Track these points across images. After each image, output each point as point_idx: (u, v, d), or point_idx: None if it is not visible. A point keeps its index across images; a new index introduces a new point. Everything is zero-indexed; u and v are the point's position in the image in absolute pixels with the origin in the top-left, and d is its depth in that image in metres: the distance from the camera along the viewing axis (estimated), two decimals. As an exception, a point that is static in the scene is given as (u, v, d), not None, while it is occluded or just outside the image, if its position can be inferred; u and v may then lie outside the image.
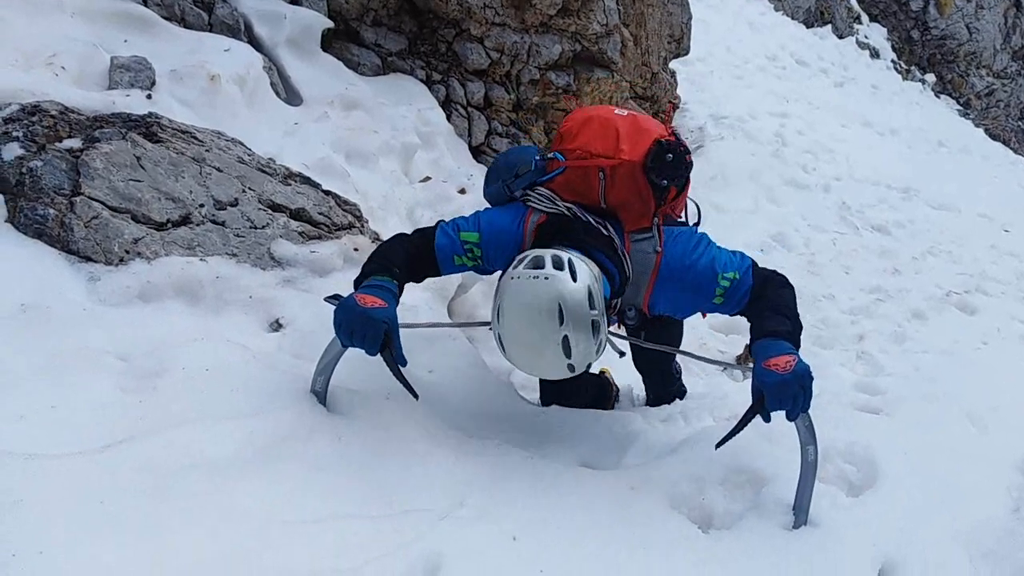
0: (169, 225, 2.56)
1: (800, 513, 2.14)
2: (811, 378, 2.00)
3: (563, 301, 2.03)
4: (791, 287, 2.37)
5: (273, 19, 4.40)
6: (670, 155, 2.36)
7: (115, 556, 1.54)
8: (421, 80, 5.26)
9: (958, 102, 16.69)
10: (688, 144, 2.55)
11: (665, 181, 2.39)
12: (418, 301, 3.19)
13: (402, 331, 2.17)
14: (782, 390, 1.96)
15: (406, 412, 2.29)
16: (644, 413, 3.30)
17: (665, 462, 2.46)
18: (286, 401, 2.11)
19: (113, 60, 3.19)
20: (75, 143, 2.54)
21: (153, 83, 3.23)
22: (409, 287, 3.31)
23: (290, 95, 4.29)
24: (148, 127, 2.78)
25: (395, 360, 2.12)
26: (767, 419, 2.02)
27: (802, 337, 2.23)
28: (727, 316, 2.47)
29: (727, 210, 7.20)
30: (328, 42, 4.81)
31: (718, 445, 2.16)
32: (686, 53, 8.91)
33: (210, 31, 4.03)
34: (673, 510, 2.15)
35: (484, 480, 2.09)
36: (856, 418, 3.08)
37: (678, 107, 9.03)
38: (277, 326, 2.57)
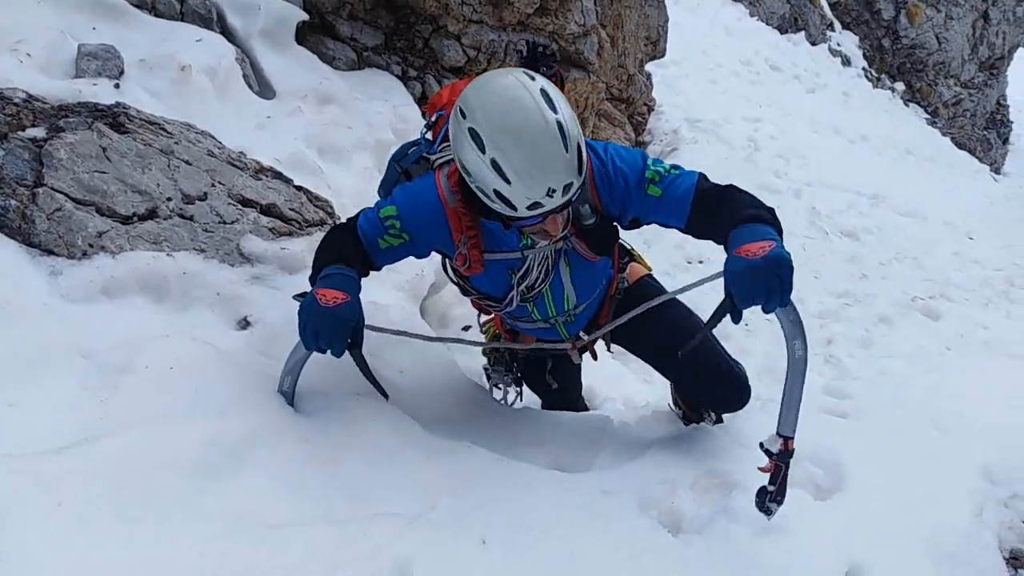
0: (135, 219, 2.50)
1: (786, 423, 1.94)
2: (790, 266, 1.74)
3: (543, 85, 1.86)
4: (750, 193, 2.12)
5: (247, 10, 4.34)
6: (539, 47, 2.37)
7: (72, 560, 1.50)
8: (397, 76, 5.22)
9: (926, 111, 17.02)
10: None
11: (542, 69, 2.32)
12: (390, 300, 3.17)
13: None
14: (752, 279, 1.72)
15: (375, 413, 2.26)
16: (617, 414, 3.30)
17: (636, 464, 2.47)
18: (253, 401, 2.07)
19: (81, 48, 3.11)
20: (39, 132, 2.47)
21: (121, 72, 3.16)
22: (381, 286, 3.31)
23: (263, 88, 4.23)
24: (115, 117, 2.71)
25: (364, 358, 2.06)
26: (736, 318, 1.79)
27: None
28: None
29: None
30: (303, 35, 4.75)
31: (682, 352, 1.96)
32: (662, 56, 8.96)
33: (182, 20, 3.96)
34: (643, 514, 2.14)
35: (454, 483, 2.07)
36: (824, 422, 3.11)
37: (653, 109, 9.08)
38: (245, 324, 2.52)
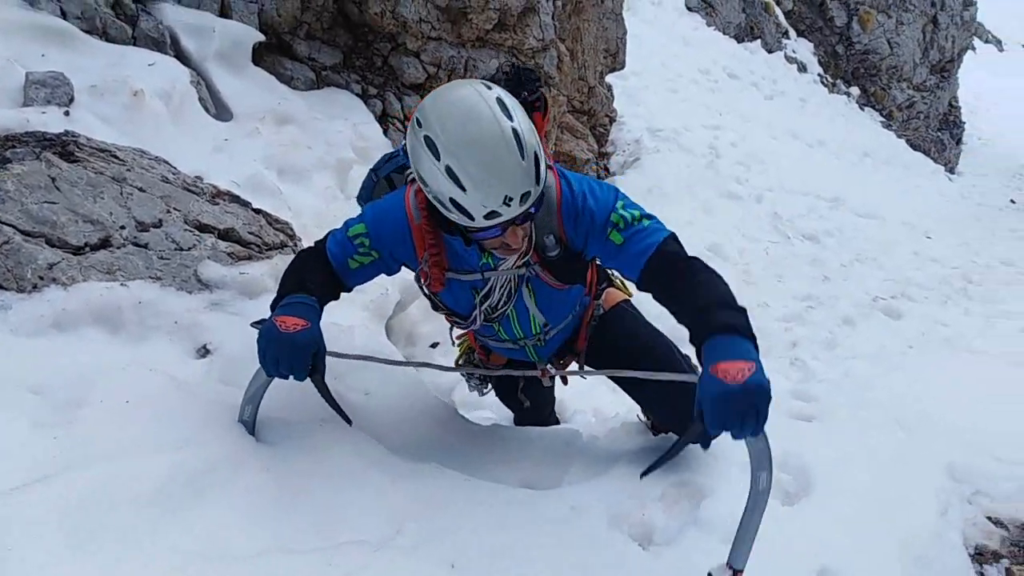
0: (87, 249, 2.44)
1: (738, 555, 1.80)
2: (768, 396, 1.61)
3: (500, 95, 1.82)
4: (723, 278, 1.99)
5: (201, 32, 4.29)
6: (524, 71, 2.31)
7: (23, 607, 1.45)
8: (357, 94, 5.21)
9: (881, 114, 17.41)
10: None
11: (524, 94, 2.23)
12: (354, 321, 3.13)
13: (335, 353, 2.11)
14: (726, 405, 1.58)
15: (339, 438, 2.22)
16: (587, 427, 3.31)
17: (606, 478, 2.45)
18: (212, 432, 2.03)
19: (28, 76, 3.06)
20: (-16, 164, 2.41)
21: (71, 99, 3.11)
22: (346, 306, 3.28)
23: (220, 110, 4.19)
24: (64, 146, 2.65)
25: (326, 384, 2.02)
26: (706, 445, 1.73)
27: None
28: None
29: (664, 222, 7.30)
30: (260, 56, 4.72)
31: (644, 474, 1.89)
32: (622, 67, 9.05)
33: (134, 45, 3.91)
34: (613, 529, 2.14)
35: (421, 506, 2.05)
36: (791, 427, 3.15)
37: (615, 120, 9.16)
38: (205, 352, 2.47)
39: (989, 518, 2.67)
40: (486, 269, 2.21)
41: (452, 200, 1.83)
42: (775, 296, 6.91)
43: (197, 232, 2.79)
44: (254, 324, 2.09)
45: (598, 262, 2.25)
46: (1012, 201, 15.83)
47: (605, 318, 2.67)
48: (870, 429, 3.24)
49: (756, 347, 1.73)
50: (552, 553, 1.96)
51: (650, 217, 2.09)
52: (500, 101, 1.81)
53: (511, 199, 1.80)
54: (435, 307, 2.49)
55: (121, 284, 2.43)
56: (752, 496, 1.75)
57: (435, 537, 1.92)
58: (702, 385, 1.64)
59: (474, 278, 2.23)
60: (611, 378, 2.75)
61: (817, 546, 2.22)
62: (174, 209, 2.78)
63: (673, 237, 2.07)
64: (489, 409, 3.80)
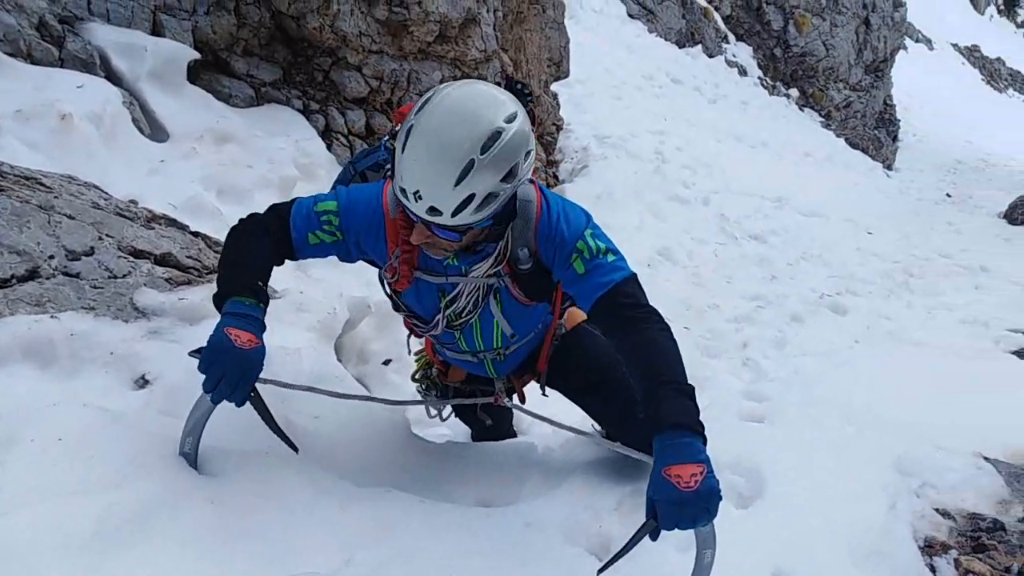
0: (13, 281, 2.34)
1: None
2: (719, 497, 1.71)
3: (520, 108, 1.86)
4: (673, 337, 2.01)
5: (133, 52, 4.18)
6: (518, 84, 2.29)
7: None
8: (298, 110, 5.14)
9: (820, 114, 17.88)
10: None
11: None
12: (301, 343, 3.06)
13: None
14: (680, 510, 1.67)
15: (287, 466, 2.16)
16: (543, 438, 3.28)
17: (561, 491, 2.44)
18: (152, 467, 1.95)
19: (-55, 102, 2.93)
20: (-102, 196, 2.30)
21: (-6, 125, 2.98)
22: (292, 328, 3.21)
23: (155, 131, 4.08)
24: (-14, 174, 2.55)
25: (268, 409, 1.95)
26: (655, 537, 1.76)
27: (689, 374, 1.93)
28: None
29: (615, 228, 7.34)
30: (196, 74, 4.62)
31: (600, 571, 1.84)
32: (566, 76, 9.12)
33: (61, 67, 3.79)
34: (569, 543, 2.12)
35: (373, 533, 2.00)
36: (743, 429, 3.18)
37: (562, 128, 9.21)
38: (143, 383, 2.38)
39: (937, 510, 2.72)
40: (453, 273, 2.18)
41: (395, 150, 1.87)
42: (725, 297, 7.02)
43: (132, 258, 2.69)
44: (192, 353, 2.01)
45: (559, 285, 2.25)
46: (948, 195, 16.41)
47: (567, 338, 2.67)
48: (819, 426, 3.29)
49: (704, 440, 1.78)
50: (508, 572, 1.93)
51: (615, 253, 2.10)
52: (497, 134, 1.78)
53: (420, 198, 1.81)
54: (396, 307, 2.46)
55: (51, 316, 2.33)
56: (696, 570, 1.87)
57: (387, 563, 1.87)
58: (655, 486, 1.71)
59: (439, 280, 2.21)
60: (565, 395, 2.75)
61: (770, 547, 2.23)
62: (107, 236, 2.68)
63: (633, 279, 2.09)
64: (445, 426, 3.75)
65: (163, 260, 2.81)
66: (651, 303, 2.07)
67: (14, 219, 2.45)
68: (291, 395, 2.56)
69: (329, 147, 5.21)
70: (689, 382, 1.90)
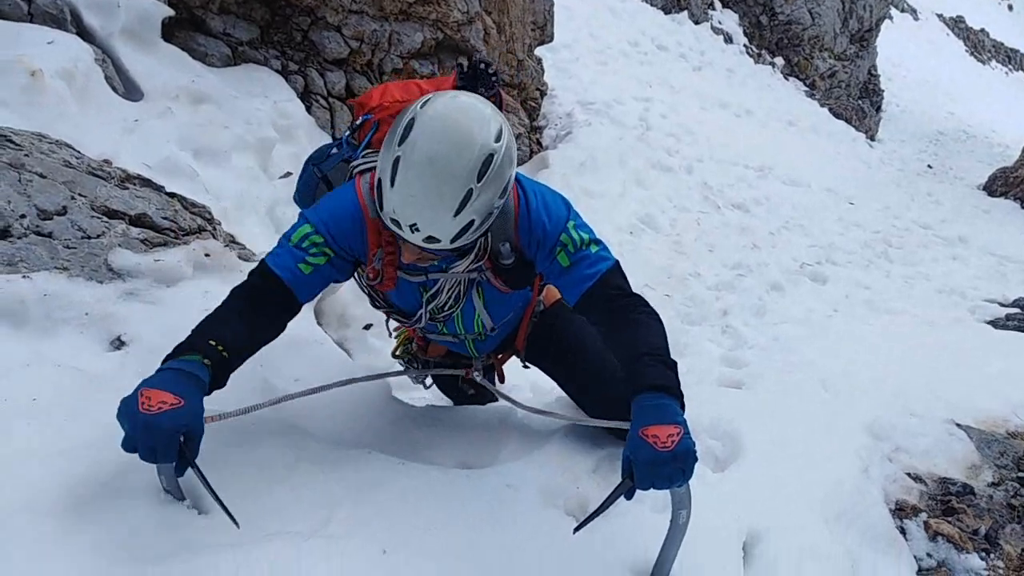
0: (-16, 240, 2.29)
1: (661, 572, 1.92)
2: (695, 458, 1.71)
3: (503, 122, 1.82)
4: (661, 322, 2.02)
5: (105, 8, 4.06)
6: (480, 65, 2.21)
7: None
8: (276, 71, 5.03)
9: (804, 83, 17.82)
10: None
11: (482, 90, 2.16)
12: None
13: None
14: (656, 469, 1.66)
15: (268, 430, 2.16)
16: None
17: (540, 454, 2.45)
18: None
19: (-90, 55, 2.83)
20: None
21: (-39, 81, 2.89)
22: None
23: (129, 90, 3.98)
24: (-47, 130, 2.48)
25: (203, 475, 1.70)
26: (630, 496, 1.76)
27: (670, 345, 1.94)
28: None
29: (597, 195, 7.36)
30: (170, 32, 4.51)
31: (576, 529, 1.79)
32: (550, 40, 9.00)
33: (30, 21, 3.67)
34: (548, 504, 2.14)
35: (353, 493, 2.00)
36: (721, 394, 3.21)
37: (546, 93, 9.12)
38: (119, 344, 2.36)
39: (909, 474, 2.78)
40: (434, 271, 2.15)
41: (379, 182, 1.80)
42: (706, 265, 7.04)
43: (106, 219, 2.64)
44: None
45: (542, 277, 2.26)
46: (929, 166, 16.51)
47: (545, 314, 2.67)
48: (796, 392, 3.35)
49: (682, 405, 1.80)
50: (486, 532, 1.95)
51: (598, 243, 2.09)
52: (490, 159, 1.75)
53: (417, 230, 1.79)
54: (375, 304, 2.42)
55: (23, 276, 2.28)
56: (671, 529, 1.89)
57: (366, 523, 1.88)
58: (632, 446, 1.71)
59: (419, 279, 2.18)
60: (543, 370, 2.76)
61: (745, 509, 2.27)
62: (79, 195, 2.62)
63: (617, 267, 2.09)
64: (424, 391, 3.76)
65: (138, 221, 2.75)
66: (634, 272, 2.07)
67: (-17, 177, 2.39)
68: (273, 357, 2.54)
69: (308, 109, 5.12)
70: (672, 358, 1.91)
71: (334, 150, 2.46)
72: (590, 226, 2.14)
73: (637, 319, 1.99)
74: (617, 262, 2.11)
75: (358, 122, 2.36)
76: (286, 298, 2.03)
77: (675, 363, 1.91)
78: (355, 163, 2.25)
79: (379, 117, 2.29)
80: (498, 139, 1.78)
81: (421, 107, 1.78)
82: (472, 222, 1.80)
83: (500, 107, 2.22)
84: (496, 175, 1.78)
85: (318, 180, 2.45)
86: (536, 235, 2.07)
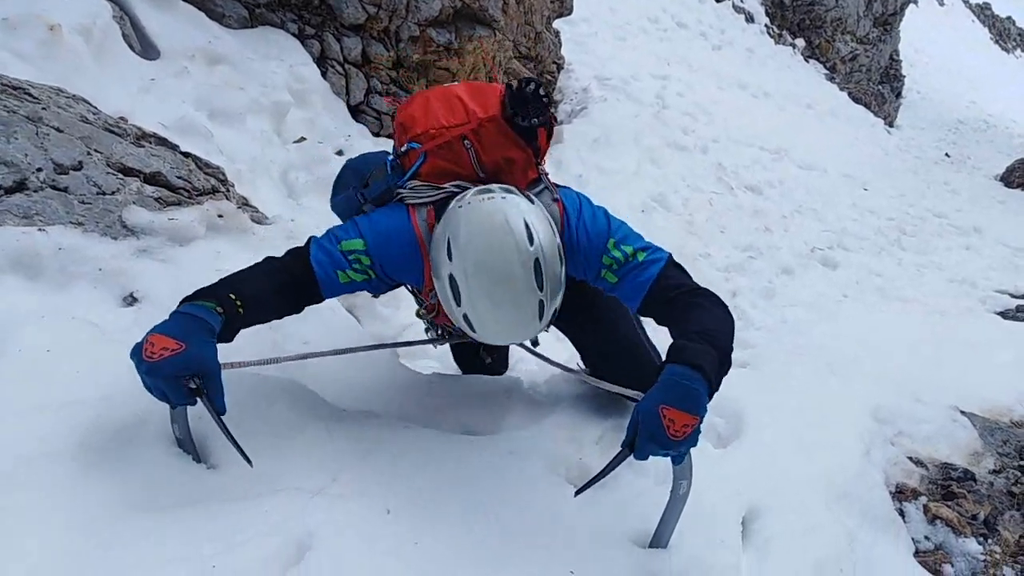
0: (1, 192, 2.31)
1: (659, 541, 1.96)
2: (696, 443, 1.68)
3: (527, 216, 1.83)
4: (728, 311, 1.95)
5: (124, -36, 4.03)
6: (530, 87, 2.13)
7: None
8: (293, 34, 5.00)
9: (825, 66, 17.59)
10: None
11: (534, 120, 2.14)
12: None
13: None
14: (660, 450, 1.66)
15: (277, 389, 2.19)
16: (529, 374, 3.32)
17: (545, 423, 2.48)
18: (140, 381, 1.96)
19: (-71, 5, 2.83)
20: None
21: (-20, 33, 2.90)
22: (280, 253, 3.18)
23: (146, 48, 3.97)
24: (-28, 82, 2.48)
25: (219, 417, 1.74)
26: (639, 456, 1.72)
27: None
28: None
29: (610, 172, 7.32)
30: (188, -9, 4.47)
31: (578, 492, 1.78)
32: (569, 13, 8.90)
33: (49, -25, 3.65)
34: (551, 472, 2.17)
35: (358, 453, 2.03)
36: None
37: (563, 67, 9.04)
38: (132, 300, 2.38)
39: (910, 458, 2.79)
40: None
41: (464, 318, 1.94)
42: (717, 246, 7.02)
43: (121, 175, 2.65)
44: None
45: None
46: (947, 155, 16.33)
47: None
48: (803, 374, 3.34)
49: (712, 393, 1.73)
50: (489, 496, 1.97)
51: (645, 248, 2.06)
52: (537, 265, 1.83)
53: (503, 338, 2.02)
54: (436, 333, 2.63)
55: (39, 229, 2.30)
56: (671, 500, 1.92)
57: (371, 483, 1.91)
58: (644, 416, 1.64)
59: None
60: (557, 327, 2.75)
61: (746, 485, 2.29)
62: (95, 151, 2.64)
63: (670, 262, 2.04)
64: (432, 358, 3.79)
65: (152, 179, 2.77)
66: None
67: (1, 128, 2.40)
68: (282, 322, 2.56)
69: (324, 74, 5.10)
70: (727, 343, 1.83)
71: (377, 170, 2.39)
72: (636, 233, 2.13)
73: (697, 303, 1.92)
74: (669, 256, 2.06)
75: (403, 148, 2.28)
76: (313, 291, 2.08)
77: (727, 348, 1.81)
78: (404, 193, 2.20)
79: (427, 148, 2.21)
80: (532, 240, 1.83)
81: (452, 257, 1.87)
82: (553, 313, 1.96)
83: (550, 135, 2.26)
84: (551, 271, 1.88)
85: (360, 204, 2.40)
86: (579, 257, 2.09)
